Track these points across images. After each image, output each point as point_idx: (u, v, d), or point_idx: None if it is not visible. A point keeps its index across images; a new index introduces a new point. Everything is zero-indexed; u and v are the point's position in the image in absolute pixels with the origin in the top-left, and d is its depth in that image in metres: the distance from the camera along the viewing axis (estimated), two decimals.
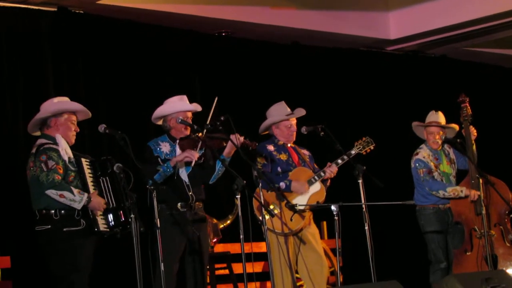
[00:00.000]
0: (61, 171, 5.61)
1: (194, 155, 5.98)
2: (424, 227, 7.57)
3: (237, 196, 5.68)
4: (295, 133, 6.86)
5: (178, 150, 6.14)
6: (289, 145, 6.87)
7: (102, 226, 5.67)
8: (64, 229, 5.57)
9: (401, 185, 7.90)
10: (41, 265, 6.06)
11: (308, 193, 6.67)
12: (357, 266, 8.85)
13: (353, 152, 6.78)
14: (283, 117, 6.83)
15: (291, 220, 6.56)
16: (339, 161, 6.72)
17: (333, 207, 5.96)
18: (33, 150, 5.71)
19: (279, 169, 6.70)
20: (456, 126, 7.72)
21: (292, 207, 6.37)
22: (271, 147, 6.78)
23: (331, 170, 6.70)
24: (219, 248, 8.04)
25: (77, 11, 7.97)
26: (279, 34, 9.37)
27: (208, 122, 6.06)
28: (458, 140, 7.55)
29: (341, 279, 7.20)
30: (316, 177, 6.70)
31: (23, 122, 7.04)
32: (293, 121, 6.86)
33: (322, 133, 6.61)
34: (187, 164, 6.09)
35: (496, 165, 8.78)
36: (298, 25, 9.26)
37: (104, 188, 5.77)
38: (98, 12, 8.08)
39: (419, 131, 7.76)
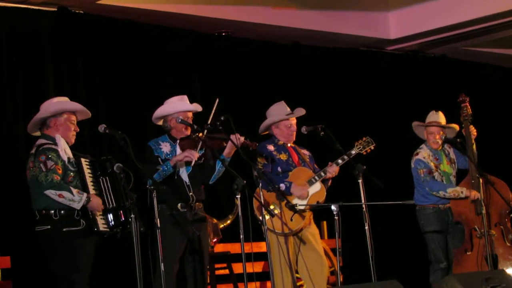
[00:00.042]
0: (60, 171, 5.61)
1: (194, 155, 5.98)
2: (424, 227, 7.57)
3: (237, 196, 5.68)
4: (295, 132, 6.86)
5: (178, 150, 6.14)
6: (289, 145, 6.87)
7: (101, 226, 5.68)
8: (64, 229, 5.57)
9: (401, 185, 7.91)
10: (41, 265, 6.06)
11: (308, 195, 6.66)
12: (357, 266, 8.85)
13: (353, 152, 6.77)
14: (283, 116, 6.83)
15: (291, 220, 6.56)
16: (339, 161, 6.72)
17: (333, 207, 5.97)
18: (33, 151, 5.71)
19: (279, 169, 6.69)
20: (456, 126, 7.72)
21: (292, 207, 6.37)
22: (271, 147, 6.77)
23: (333, 169, 6.69)
24: (219, 248, 8.04)
25: (77, 11, 7.97)
26: (280, 34, 9.37)
27: (208, 122, 6.07)
28: (458, 139, 7.55)
29: (341, 279, 7.21)
30: (316, 177, 6.70)
31: (23, 122, 7.04)
32: (293, 121, 6.86)
33: (322, 133, 6.61)
34: (187, 164, 6.10)
35: (496, 165, 8.78)
36: (299, 25, 9.26)
37: (104, 188, 5.77)
38: (98, 12, 8.08)
39: (419, 131, 7.75)
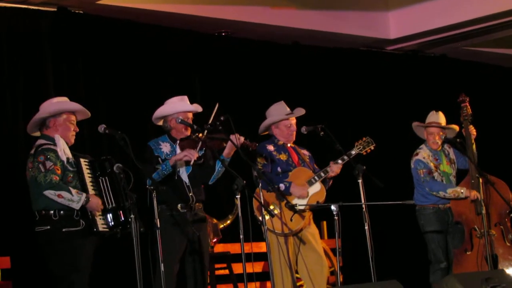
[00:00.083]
0: (59, 172, 5.61)
1: (193, 154, 5.97)
2: (424, 227, 7.57)
3: (237, 196, 5.69)
4: (295, 132, 6.86)
5: (178, 151, 6.14)
6: (289, 145, 6.86)
7: (101, 227, 5.67)
8: (64, 230, 5.57)
9: (401, 185, 7.90)
10: (41, 265, 6.06)
11: (308, 195, 6.66)
12: (357, 266, 8.85)
13: (353, 152, 6.77)
14: (282, 116, 6.83)
15: (291, 220, 6.55)
16: (339, 161, 6.71)
17: (333, 207, 5.96)
18: (32, 151, 5.71)
19: (279, 169, 6.69)
20: (456, 127, 7.72)
21: (292, 207, 6.37)
22: (271, 147, 6.77)
23: (336, 167, 6.67)
24: (219, 248, 8.04)
25: (77, 11, 7.97)
26: (280, 34, 9.37)
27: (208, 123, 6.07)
28: (458, 139, 7.55)
29: (341, 279, 7.21)
30: (316, 177, 6.69)
31: (23, 122, 7.04)
32: (293, 121, 6.86)
33: (322, 133, 6.60)
34: (187, 164, 6.09)
35: (496, 165, 8.78)
36: (299, 25, 9.26)
37: (104, 188, 5.77)
38: (98, 12, 8.08)
39: (420, 131, 7.75)
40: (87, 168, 5.79)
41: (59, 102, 5.89)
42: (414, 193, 7.64)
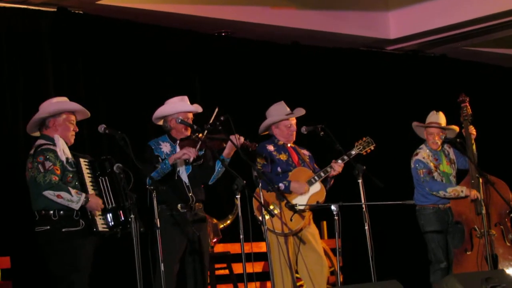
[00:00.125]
0: (58, 172, 5.61)
1: (192, 152, 5.95)
2: (424, 227, 7.57)
3: (237, 196, 5.69)
4: (295, 133, 6.86)
5: (178, 151, 6.14)
6: (289, 145, 6.86)
7: (101, 226, 5.67)
8: (63, 230, 5.57)
9: (401, 185, 7.91)
10: (41, 265, 6.06)
11: (308, 193, 6.66)
12: (357, 266, 8.85)
13: (353, 152, 6.77)
14: (282, 116, 6.83)
15: (291, 220, 6.55)
16: (339, 161, 6.72)
17: (333, 207, 5.96)
18: (32, 151, 5.71)
19: (279, 169, 6.69)
20: (456, 128, 7.72)
21: (292, 207, 6.37)
22: (271, 147, 6.77)
23: (338, 166, 6.66)
24: (219, 248, 8.04)
25: (77, 12, 7.97)
26: (279, 34, 9.36)
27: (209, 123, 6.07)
28: (458, 139, 7.55)
29: (341, 279, 7.21)
30: (316, 177, 6.69)
31: (23, 122, 7.03)
32: (293, 121, 6.86)
33: (322, 133, 6.60)
34: (186, 163, 6.09)
35: (496, 165, 8.78)
36: (298, 25, 9.26)
37: (103, 188, 5.76)
38: (98, 13, 8.08)
39: (420, 131, 7.75)
40: (87, 168, 5.78)
41: (59, 102, 5.89)
42: (414, 193, 7.64)
